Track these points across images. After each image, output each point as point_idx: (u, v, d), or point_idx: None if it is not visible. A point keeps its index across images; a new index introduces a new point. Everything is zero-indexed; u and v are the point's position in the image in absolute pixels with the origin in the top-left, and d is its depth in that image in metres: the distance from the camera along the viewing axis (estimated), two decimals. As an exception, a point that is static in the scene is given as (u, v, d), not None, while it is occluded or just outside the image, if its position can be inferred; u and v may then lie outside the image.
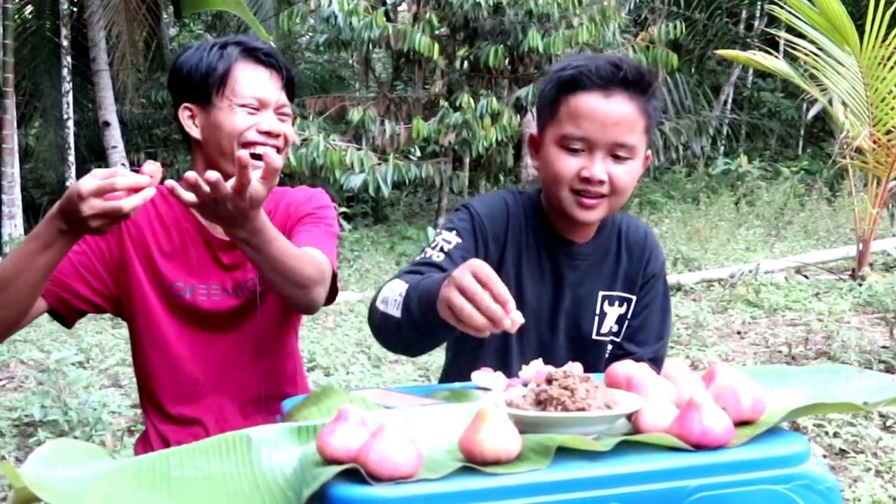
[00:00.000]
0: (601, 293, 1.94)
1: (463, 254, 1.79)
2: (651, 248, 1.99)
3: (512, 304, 1.31)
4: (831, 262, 7.70)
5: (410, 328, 1.53)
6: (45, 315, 1.93)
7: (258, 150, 1.82)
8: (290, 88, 1.98)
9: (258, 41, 1.97)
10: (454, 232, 1.84)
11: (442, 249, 1.80)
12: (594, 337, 1.94)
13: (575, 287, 1.92)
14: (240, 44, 1.93)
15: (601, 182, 1.76)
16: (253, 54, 1.92)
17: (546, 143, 1.82)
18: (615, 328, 1.96)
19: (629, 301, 1.97)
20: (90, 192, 1.47)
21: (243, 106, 1.87)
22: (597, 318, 1.94)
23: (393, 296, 1.58)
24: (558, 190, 1.80)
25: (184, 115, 1.92)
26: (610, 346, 1.96)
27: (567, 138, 1.76)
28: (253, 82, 1.89)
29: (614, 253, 1.95)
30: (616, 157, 1.77)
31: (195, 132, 1.90)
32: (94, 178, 1.48)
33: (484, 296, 1.29)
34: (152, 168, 1.54)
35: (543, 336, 1.91)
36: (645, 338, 1.97)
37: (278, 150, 1.89)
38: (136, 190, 1.51)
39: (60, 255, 1.61)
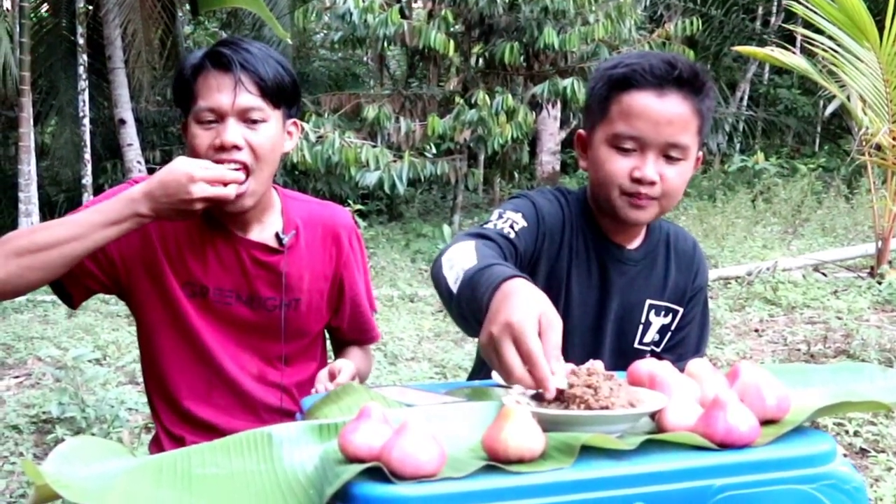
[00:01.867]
0: (648, 301, 1.90)
1: (527, 239, 1.75)
2: (699, 261, 1.97)
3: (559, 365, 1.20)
4: (850, 260, 7.65)
5: (457, 306, 1.45)
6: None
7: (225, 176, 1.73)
8: (272, 86, 1.82)
9: (236, 42, 1.83)
10: (520, 214, 1.77)
11: (512, 227, 1.74)
12: (636, 345, 1.91)
13: (623, 293, 1.88)
14: (209, 49, 1.84)
15: (653, 183, 1.72)
16: (208, 60, 1.80)
17: (596, 142, 1.77)
18: (657, 338, 1.93)
19: (675, 312, 1.93)
20: (202, 178, 1.61)
21: (200, 121, 1.79)
22: (641, 327, 1.91)
23: (460, 263, 1.48)
24: (609, 190, 1.75)
25: (184, 131, 1.88)
26: (648, 356, 1.91)
27: (619, 137, 1.72)
28: (207, 92, 1.79)
29: (663, 261, 1.92)
30: (668, 158, 1.72)
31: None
32: (201, 167, 1.63)
33: (540, 360, 1.17)
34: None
35: (587, 341, 1.86)
36: (685, 351, 1.94)
37: (245, 168, 1.78)
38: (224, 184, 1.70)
39: (119, 235, 1.68)
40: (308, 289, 1.96)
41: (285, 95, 1.85)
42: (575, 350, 1.74)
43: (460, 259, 1.49)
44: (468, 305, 1.39)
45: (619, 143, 1.72)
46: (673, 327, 1.93)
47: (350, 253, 2.03)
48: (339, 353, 2.17)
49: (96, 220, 1.65)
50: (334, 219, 2.03)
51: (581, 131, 1.86)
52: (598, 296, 1.86)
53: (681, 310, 1.93)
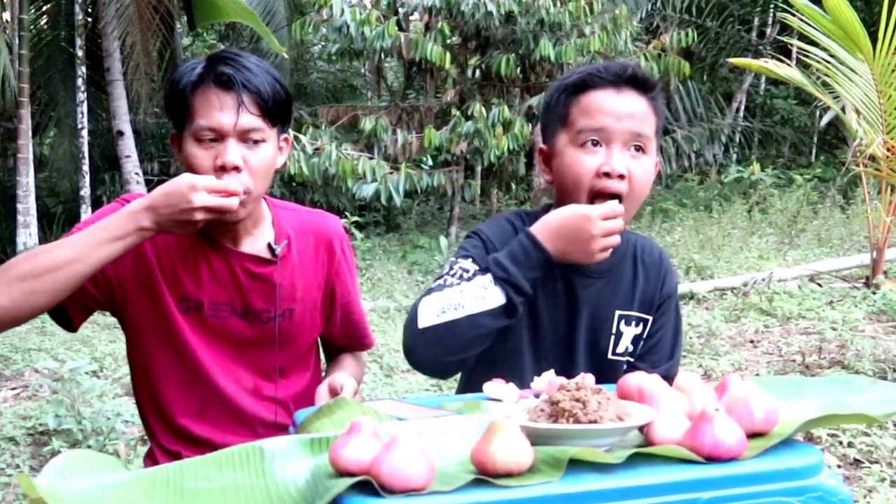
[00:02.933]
0: (618, 312, 1.90)
1: None
2: (666, 270, 1.98)
3: None
4: (845, 271, 7.66)
5: (493, 313, 1.67)
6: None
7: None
8: (272, 105, 1.80)
9: (234, 56, 1.82)
10: (469, 259, 1.80)
11: (461, 277, 1.76)
12: (610, 356, 1.91)
13: (592, 305, 1.88)
14: (207, 63, 1.81)
15: (622, 177, 1.74)
16: (209, 76, 1.78)
17: (559, 148, 1.80)
18: (630, 348, 1.93)
19: (645, 321, 1.94)
20: (204, 186, 1.59)
21: (199, 139, 1.77)
22: (613, 337, 1.91)
23: (450, 304, 1.65)
24: (578, 194, 1.77)
25: (174, 144, 1.87)
26: (625, 367, 1.92)
27: (583, 132, 1.75)
28: (207, 110, 1.76)
29: (630, 273, 1.93)
30: (632, 152, 1.76)
31: (180, 160, 1.85)
32: (203, 177, 1.62)
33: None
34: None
35: (561, 355, 1.88)
36: (658, 358, 1.94)
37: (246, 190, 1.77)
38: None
39: (123, 251, 1.66)
40: (301, 298, 1.96)
41: (283, 113, 1.85)
42: (549, 364, 1.75)
43: (446, 302, 1.68)
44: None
45: (585, 139, 1.75)
46: (644, 336, 1.94)
47: (342, 260, 2.03)
48: (331, 360, 2.16)
49: (99, 237, 1.63)
50: (325, 227, 2.02)
51: (542, 147, 1.89)
52: (567, 310, 1.88)
53: (650, 318, 1.94)
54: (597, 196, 1.76)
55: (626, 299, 1.91)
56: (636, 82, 1.77)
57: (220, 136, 1.76)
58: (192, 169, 1.77)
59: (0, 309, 1.64)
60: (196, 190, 1.60)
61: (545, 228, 1.72)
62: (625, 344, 1.92)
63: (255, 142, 1.79)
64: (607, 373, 1.85)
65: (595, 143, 1.75)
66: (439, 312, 1.67)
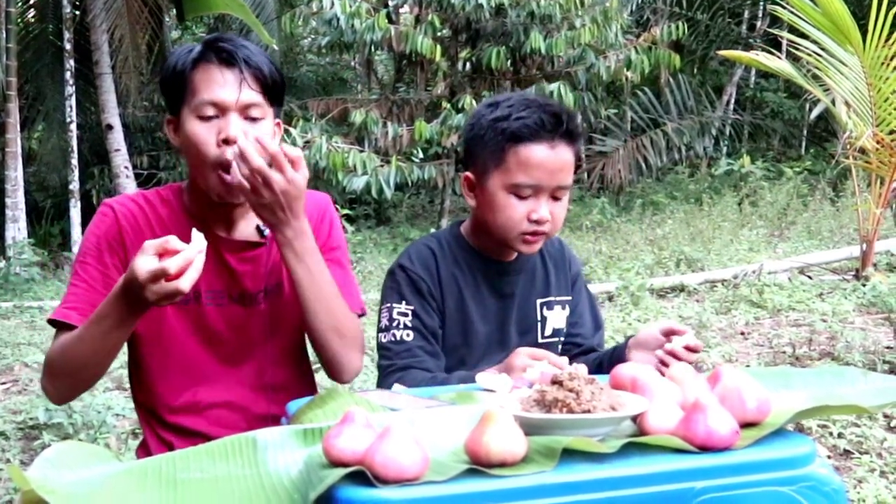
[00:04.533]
0: (539, 301, 2.12)
1: (422, 321, 2.00)
2: (569, 255, 2.22)
3: None
4: (835, 263, 7.69)
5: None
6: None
7: (228, 177, 1.75)
8: (271, 84, 1.82)
9: (231, 38, 1.83)
10: (404, 301, 2.02)
11: (406, 326, 1.99)
12: (540, 340, 2.11)
13: (519, 299, 2.10)
14: (205, 44, 1.82)
15: (546, 221, 1.92)
16: (210, 53, 1.79)
17: (491, 187, 1.94)
18: (562, 328, 2.16)
19: (566, 302, 2.17)
20: (147, 280, 1.50)
21: (200, 116, 1.77)
22: (539, 324, 2.13)
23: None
24: (506, 233, 1.95)
25: (169, 128, 1.87)
26: (560, 346, 2.15)
27: (519, 187, 1.91)
28: (208, 85, 1.77)
29: (541, 264, 2.15)
30: (555, 198, 1.94)
31: (176, 143, 1.86)
32: (148, 263, 1.50)
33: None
34: (199, 236, 1.56)
35: (494, 350, 2.05)
36: (587, 330, 2.19)
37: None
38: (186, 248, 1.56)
39: (135, 324, 1.70)
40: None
41: (279, 94, 1.86)
42: (485, 357, 2.02)
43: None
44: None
45: (519, 192, 1.91)
46: (569, 312, 2.17)
47: (329, 226, 2.01)
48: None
49: (105, 327, 1.66)
50: (311, 201, 2.00)
51: (468, 174, 2.03)
52: (497, 310, 2.09)
53: (570, 298, 2.17)
54: (524, 237, 1.94)
55: (543, 288, 2.14)
56: (567, 133, 1.91)
57: (221, 111, 1.77)
58: (193, 146, 1.78)
59: (60, 397, 1.86)
60: (143, 287, 1.52)
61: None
62: (551, 326, 2.14)
63: (255, 119, 1.80)
64: None
65: (528, 195, 1.92)
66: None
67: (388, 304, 2.03)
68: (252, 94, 1.79)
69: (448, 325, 2.05)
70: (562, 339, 2.16)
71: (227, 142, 1.75)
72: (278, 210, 1.72)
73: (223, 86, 1.77)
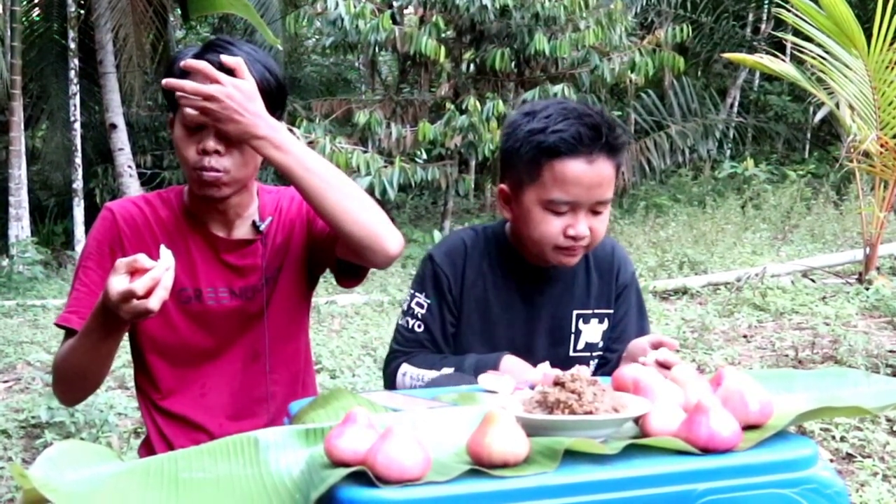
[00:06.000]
0: (576, 312, 2.03)
1: (434, 318, 1.99)
2: (619, 261, 2.09)
3: None
4: (838, 266, 7.67)
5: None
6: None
7: (207, 174, 1.79)
8: (267, 92, 1.81)
9: (230, 41, 1.85)
10: (424, 294, 2.01)
11: (420, 318, 2.00)
12: (571, 354, 2.03)
13: (552, 309, 2.02)
14: (201, 48, 1.84)
15: (585, 237, 1.85)
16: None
17: (527, 202, 1.88)
18: (600, 343, 2.06)
19: (608, 315, 2.06)
20: (118, 301, 1.54)
21: (184, 125, 1.80)
22: (573, 336, 2.04)
23: (417, 382, 1.87)
24: (543, 247, 1.89)
25: (170, 125, 1.90)
26: (593, 362, 2.06)
27: (554, 203, 1.84)
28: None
29: (583, 272, 2.05)
30: (595, 212, 1.86)
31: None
32: (118, 284, 1.54)
33: None
34: (167, 254, 1.59)
35: (519, 356, 1.95)
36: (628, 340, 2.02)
37: (226, 173, 1.82)
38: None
39: (121, 336, 1.75)
40: (287, 256, 1.99)
41: (271, 98, 1.83)
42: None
43: (414, 380, 1.89)
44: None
45: (555, 208, 1.84)
46: (608, 327, 2.06)
47: None
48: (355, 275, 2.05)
49: (95, 339, 1.71)
50: (291, 191, 2.02)
51: (503, 187, 1.96)
52: (525, 316, 2.01)
53: (611, 311, 2.06)
54: (561, 250, 1.88)
55: (582, 299, 2.04)
56: (607, 147, 1.83)
57: (205, 122, 1.77)
58: (177, 149, 1.85)
59: (67, 400, 1.95)
60: (116, 307, 1.56)
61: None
62: (584, 340, 2.04)
63: None
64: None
65: (564, 210, 1.85)
66: (411, 385, 1.89)
67: (413, 291, 2.04)
68: None
69: (465, 325, 2.01)
70: (596, 353, 2.07)
71: (205, 152, 1.79)
72: (236, 115, 1.69)
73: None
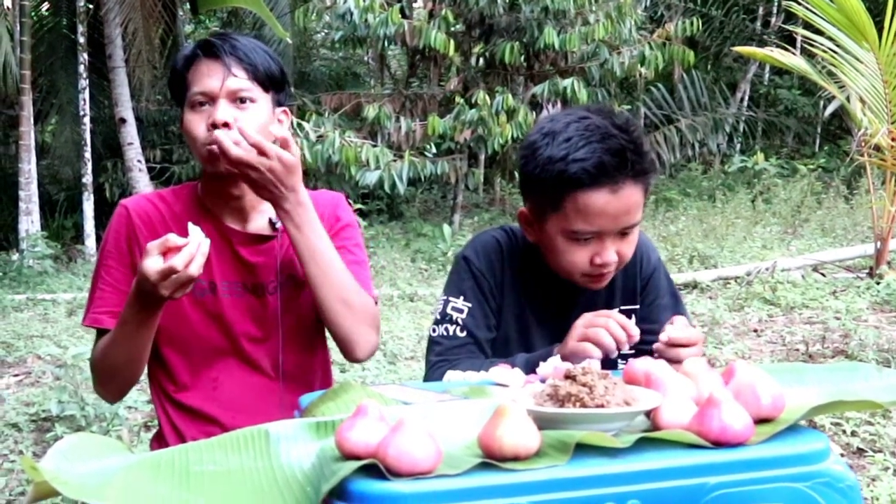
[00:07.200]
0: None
1: (476, 321, 1.92)
2: (641, 252, 1.99)
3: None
4: (849, 261, 7.65)
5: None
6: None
7: (215, 147, 1.80)
8: (261, 69, 1.89)
9: (223, 34, 1.93)
10: (462, 297, 1.94)
11: (458, 323, 1.92)
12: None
13: (580, 314, 1.88)
14: (197, 44, 1.92)
15: (612, 263, 1.79)
16: (199, 51, 1.90)
17: (550, 230, 1.81)
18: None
19: (634, 312, 1.98)
20: (158, 279, 1.61)
21: (192, 106, 1.87)
22: None
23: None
24: (568, 273, 1.84)
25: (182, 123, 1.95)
26: (622, 362, 1.93)
27: (578, 233, 1.76)
28: (198, 78, 1.87)
29: None
30: (623, 234, 1.79)
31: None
32: (155, 263, 1.61)
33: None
34: (195, 230, 1.65)
35: None
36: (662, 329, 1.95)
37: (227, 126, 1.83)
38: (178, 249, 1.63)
39: (156, 322, 1.79)
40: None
41: (273, 80, 1.92)
42: None
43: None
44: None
45: (578, 237, 1.77)
46: (640, 320, 1.94)
47: (343, 224, 2.03)
48: None
49: (130, 330, 1.77)
50: (326, 197, 2.06)
51: (524, 210, 1.90)
52: (559, 317, 1.92)
53: (637, 307, 1.99)
54: (589, 277, 1.82)
55: (608, 298, 1.97)
56: (633, 173, 1.73)
57: (211, 100, 1.86)
58: (187, 133, 1.89)
59: (112, 396, 1.98)
60: (156, 284, 1.62)
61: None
62: None
63: (243, 100, 1.87)
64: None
65: (588, 237, 1.78)
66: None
67: (446, 297, 1.96)
68: (238, 81, 1.87)
69: (503, 330, 1.96)
70: (624, 353, 1.93)
71: (214, 126, 1.83)
72: (271, 187, 1.78)
73: (209, 76, 1.86)
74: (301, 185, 1.81)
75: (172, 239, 1.62)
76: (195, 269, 1.62)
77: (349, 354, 1.92)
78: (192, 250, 1.61)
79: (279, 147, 1.77)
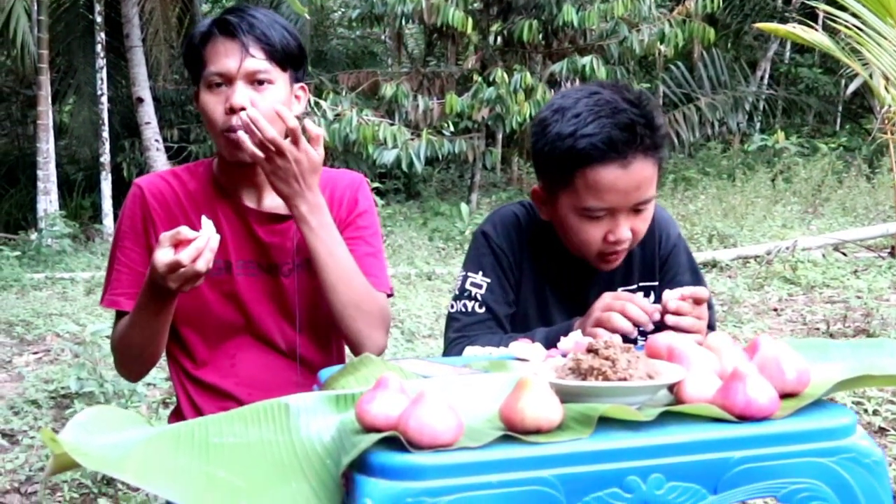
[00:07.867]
0: (620, 290, 1.91)
1: (496, 297, 1.90)
2: (661, 228, 1.96)
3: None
4: (870, 240, 7.59)
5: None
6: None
7: (233, 135, 1.78)
8: (279, 48, 1.83)
9: (241, 9, 1.87)
10: (480, 272, 1.92)
11: (477, 298, 1.90)
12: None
13: (600, 288, 1.87)
14: (213, 20, 1.87)
15: (627, 240, 1.76)
16: (215, 27, 1.84)
17: (562, 208, 1.79)
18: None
19: (653, 288, 1.96)
20: (166, 271, 1.62)
21: (209, 86, 1.83)
22: None
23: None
24: (582, 252, 1.82)
25: (196, 100, 1.93)
26: (641, 339, 1.87)
27: (589, 210, 1.73)
28: (215, 57, 1.83)
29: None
30: (636, 211, 1.76)
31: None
32: (164, 256, 1.61)
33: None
34: (208, 223, 1.65)
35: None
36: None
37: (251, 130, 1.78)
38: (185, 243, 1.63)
39: (173, 308, 1.80)
40: None
41: (291, 58, 1.87)
42: None
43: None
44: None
45: (591, 214, 1.74)
46: (654, 300, 1.90)
47: (358, 209, 2.01)
48: None
49: (147, 315, 1.78)
50: (345, 177, 2.03)
51: (537, 188, 1.87)
52: (578, 293, 1.92)
53: (656, 283, 1.96)
54: (603, 255, 1.80)
55: (624, 275, 1.94)
56: (645, 147, 1.70)
57: (227, 81, 1.82)
58: (204, 115, 1.87)
59: (134, 376, 2.00)
60: (164, 278, 1.63)
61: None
62: None
63: (262, 82, 1.83)
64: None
65: (601, 215, 1.75)
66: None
67: (464, 273, 1.94)
68: (255, 62, 1.82)
69: (522, 306, 1.94)
70: (644, 330, 1.91)
71: (232, 110, 1.80)
72: (292, 180, 1.75)
73: (226, 56, 1.82)
74: (317, 186, 1.79)
75: (184, 232, 1.61)
76: (202, 264, 1.61)
77: (355, 349, 1.92)
78: (199, 245, 1.61)
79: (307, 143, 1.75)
